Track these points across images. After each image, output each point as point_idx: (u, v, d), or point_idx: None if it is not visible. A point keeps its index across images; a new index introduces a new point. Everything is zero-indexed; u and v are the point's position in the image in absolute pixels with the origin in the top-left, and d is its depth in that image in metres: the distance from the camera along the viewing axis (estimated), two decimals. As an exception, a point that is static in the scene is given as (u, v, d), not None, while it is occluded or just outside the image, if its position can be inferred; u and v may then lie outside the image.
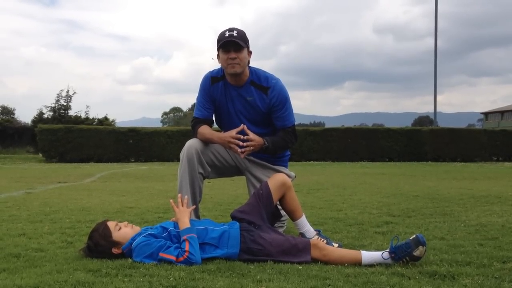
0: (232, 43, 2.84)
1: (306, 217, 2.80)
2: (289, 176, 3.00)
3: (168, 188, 6.92)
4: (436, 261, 2.32)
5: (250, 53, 2.96)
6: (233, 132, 2.91)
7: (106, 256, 2.41)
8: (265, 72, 3.03)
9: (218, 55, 2.96)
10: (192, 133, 3.11)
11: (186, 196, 2.69)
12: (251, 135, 2.89)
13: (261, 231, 2.47)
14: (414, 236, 2.29)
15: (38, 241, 2.90)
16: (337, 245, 2.68)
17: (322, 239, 2.66)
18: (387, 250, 2.31)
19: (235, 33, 2.87)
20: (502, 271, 2.13)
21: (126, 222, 2.56)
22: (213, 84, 3.02)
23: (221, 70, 3.02)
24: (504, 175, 10.25)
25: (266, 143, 2.93)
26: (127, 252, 2.42)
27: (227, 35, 2.86)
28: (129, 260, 2.34)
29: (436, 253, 2.50)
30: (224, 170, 3.11)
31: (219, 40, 2.89)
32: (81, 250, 2.49)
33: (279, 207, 2.81)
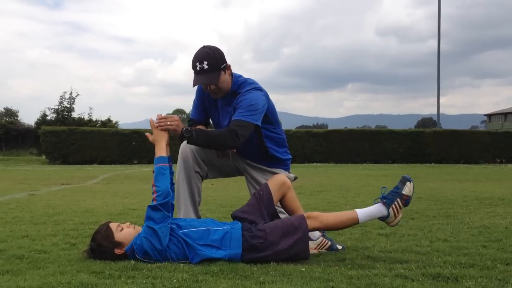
0: (205, 80, 2.74)
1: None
2: (288, 178, 3.00)
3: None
4: (440, 263, 2.32)
5: (228, 67, 2.81)
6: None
7: (109, 257, 2.41)
8: (248, 80, 2.91)
9: None
10: None
11: (160, 114, 2.68)
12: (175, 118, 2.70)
13: (258, 225, 2.48)
14: (401, 177, 2.34)
15: (41, 242, 2.91)
16: (340, 247, 2.68)
17: (327, 241, 2.66)
18: (379, 198, 2.35)
19: (205, 65, 2.70)
20: (505, 273, 2.12)
21: (128, 223, 2.57)
22: (204, 89, 2.97)
23: None
24: (508, 177, 10.22)
25: (184, 128, 2.63)
26: (130, 254, 2.42)
27: (198, 68, 2.71)
28: (132, 262, 2.34)
29: (440, 255, 2.49)
30: (223, 169, 3.10)
31: (193, 71, 2.75)
32: (84, 252, 2.50)
33: (279, 209, 2.81)
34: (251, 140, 2.86)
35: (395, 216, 2.46)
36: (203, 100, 3.04)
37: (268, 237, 2.38)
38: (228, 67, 2.81)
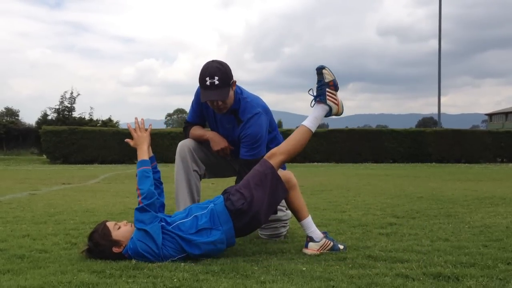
0: (216, 96, 2.67)
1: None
2: None
3: (171, 189, 6.91)
4: (441, 262, 2.32)
5: (234, 83, 2.76)
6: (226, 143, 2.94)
7: (107, 256, 2.41)
8: (250, 101, 2.86)
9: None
10: (184, 136, 3.12)
11: (141, 119, 2.77)
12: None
13: (230, 192, 2.50)
14: (316, 71, 2.46)
15: (42, 242, 2.91)
16: (342, 247, 2.67)
17: (329, 242, 2.65)
18: (312, 100, 2.49)
19: (216, 81, 2.62)
20: (506, 272, 2.12)
21: (125, 221, 2.57)
22: (210, 105, 2.91)
23: None
24: (509, 176, 10.21)
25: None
26: (128, 257, 2.41)
27: (208, 83, 2.63)
28: (133, 262, 2.34)
29: (441, 254, 2.49)
30: (221, 169, 3.11)
31: (201, 86, 2.70)
32: (82, 252, 2.49)
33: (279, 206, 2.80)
34: None
35: (336, 104, 2.57)
36: (201, 106, 3.02)
37: (245, 194, 2.41)
38: (234, 83, 2.77)
